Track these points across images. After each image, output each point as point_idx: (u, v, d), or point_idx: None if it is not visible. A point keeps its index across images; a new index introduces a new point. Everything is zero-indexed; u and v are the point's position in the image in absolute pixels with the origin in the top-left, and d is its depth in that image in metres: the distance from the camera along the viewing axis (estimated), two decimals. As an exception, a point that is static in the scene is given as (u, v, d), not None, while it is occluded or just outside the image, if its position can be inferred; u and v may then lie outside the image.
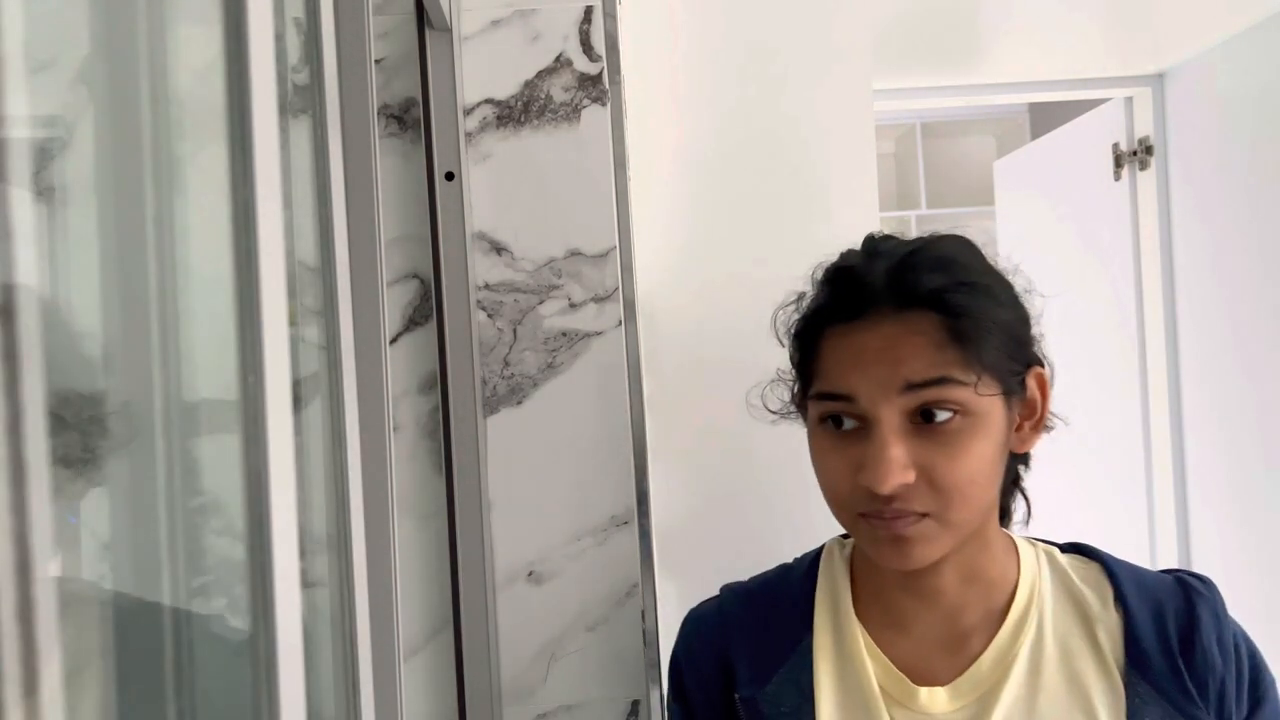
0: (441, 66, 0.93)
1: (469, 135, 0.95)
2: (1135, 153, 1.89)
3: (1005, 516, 0.79)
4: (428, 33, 0.93)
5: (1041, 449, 0.75)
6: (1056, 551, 0.78)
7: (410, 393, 0.95)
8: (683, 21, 1.12)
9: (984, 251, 0.75)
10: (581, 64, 0.95)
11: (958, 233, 0.76)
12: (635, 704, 0.95)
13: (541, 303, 0.95)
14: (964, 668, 0.71)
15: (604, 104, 0.95)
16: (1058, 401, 0.74)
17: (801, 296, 0.76)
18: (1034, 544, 0.77)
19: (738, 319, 1.10)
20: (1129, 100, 1.89)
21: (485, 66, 0.95)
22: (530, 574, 0.94)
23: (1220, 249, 1.70)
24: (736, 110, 1.12)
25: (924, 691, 0.70)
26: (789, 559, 0.84)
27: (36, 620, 0.27)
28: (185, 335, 0.43)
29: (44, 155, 0.36)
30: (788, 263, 1.11)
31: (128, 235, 0.41)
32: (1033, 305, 0.73)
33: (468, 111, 0.95)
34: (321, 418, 0.56)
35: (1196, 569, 0.78)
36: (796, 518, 1.08)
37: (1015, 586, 0.73)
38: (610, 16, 0.95)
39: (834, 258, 0.76)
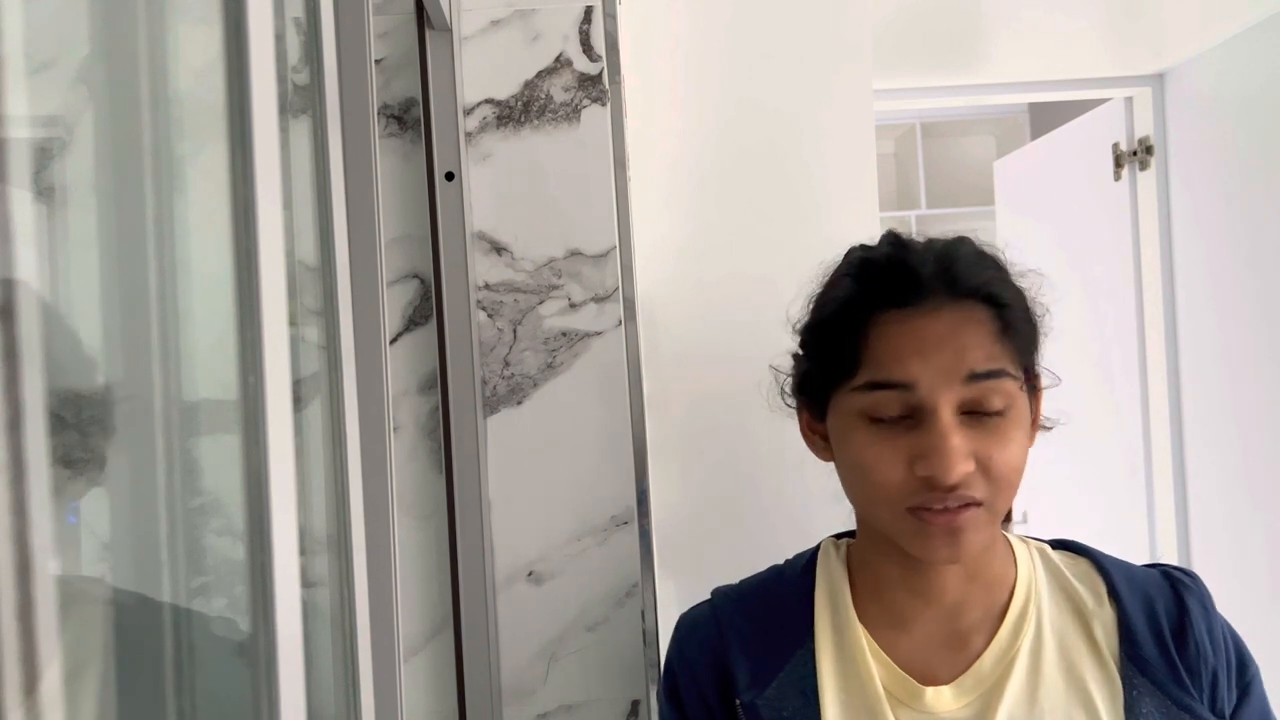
0: (441, 66, 0.93)
1: (469, 135, 0.95)
2: (1135, 153, 1.89)
3: (1005, 516, 0.79)
4: (428, 33, 0.93)
5: (1042, 449, 0.75)
6: (1048, 548, 0.78)
7: (410, 393, 0.95)
8: (683, 21, 1.12)
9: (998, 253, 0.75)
10: (581, 64, 0.95)
11: (966, 235, 0.75)
12: (635, 704, 0.95)
13: (541, 303, 0.95)
14: (966, 666, 0.71)
15: (604, 104, 0.95)
16: (1058, 401, 0.75)
17: (819, 293, 0.76)
18: (1026, 542, 0.78)
19: (738, 318, 1.10)
20: (1129, 100, 1.89)
21: (485, 66, 0.95)
22: (530, 574, 0.94)
23: (1220, 248, 1.70)
24: (737, 110, 1.12)
25: (929, 691, 0.70)
26: (786, 560, 0.84)
27: (36, 620, 0.27)
28: (185, 335, 0.43)
29: (44, 155, 0.36)
30: (788, 262, 1.12)
31: (128, 235, 0.41)
32: (1039, 306, 0.74)
33: (468, 111, 0.95)
34: (321, 418, 0.56)
35: (1196, 567, 0.78)
36: (796, 517, 1.08)
37: (1014, 584, 0.74)
38: (610, 16, 0.95)
39: (840, 256, 0.75)
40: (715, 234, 1.12)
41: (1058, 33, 1.61)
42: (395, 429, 0.78)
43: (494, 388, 0.95)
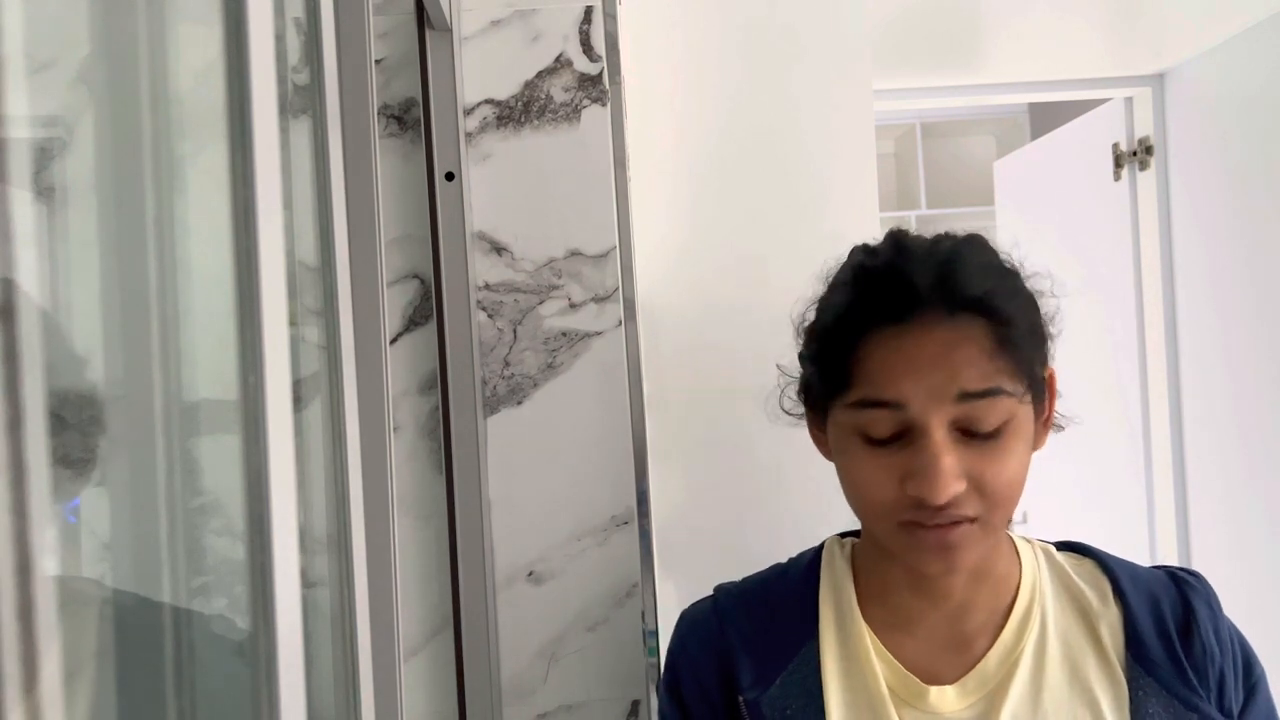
0: (441, 66, 0.93)
1: (469, 135, 0.95)
2: (1135, 153, 1.89)
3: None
4: (428, 33, 0.93)
5: (1042, 449, 0.75)
6: (1052, 549, 0.78)
7: (410, 393, 0.95)
8: (683, 22, 1.12)
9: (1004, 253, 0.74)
10: (581, 64, 0.95)
11: (976, 233, 0.74)
12: (635, 704, 0.95)
13: (541, 303, 0.95)
14: (969, 667, 0.71)
15: (604, 104, 0.95)
16: (1058, 401, 0.74)
17: (822, 296, 0.75)
18: (1031, 542, 0.78)
19: (738, 318, 1.10)
20: (1129, 100, 1.89)
21: (485, 66, 0.95)
22: (530, 574, 0.94)
23: (1220, 249, 1.70)
24: (736, 110, 1.12)
25: (933, 691, 0.70)
26: (789, 558, 0.84)
27: (36, 620, 0.27)
28: (185, 335, 0.43)
29: (44, 155, 0.36)
30: (788, 263, 1.12)
31: (128, 235, 0.41)
32: (1049, 305, 0.73)
33: (468, 111, 0.95)
34: (321, 418, 0.56)
35: (1196, 568, 0.78)
36: (796, 517, 1.08)
37: (1018, 585, 0.74)
38: (610, 16, 0.95)
39: (844, 255, 0.74)
40: (715, 234, 1.12)
41: (1057, 33, 1.61)
42: (395, 429, 0.78)
43: (494, 388, 0.95)
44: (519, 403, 0.95)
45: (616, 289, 0.95)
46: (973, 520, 0.66)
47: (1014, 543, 0.77)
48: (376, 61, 0.91)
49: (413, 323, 0.95)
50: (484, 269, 0.95)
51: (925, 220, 3.53)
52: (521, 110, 0.95)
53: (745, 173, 1.12)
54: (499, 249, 0.95)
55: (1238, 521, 1.68)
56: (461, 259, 0.93)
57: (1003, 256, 0.73)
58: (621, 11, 0.99)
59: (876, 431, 0.66)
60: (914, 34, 1.57)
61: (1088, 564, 0.76)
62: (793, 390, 0.79)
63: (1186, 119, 1.78)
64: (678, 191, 1.12)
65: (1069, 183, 2.10)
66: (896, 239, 0.72)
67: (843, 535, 0.82)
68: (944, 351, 0.64)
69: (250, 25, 0.42)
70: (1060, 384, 0.74)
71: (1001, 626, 0.72)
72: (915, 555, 0.68)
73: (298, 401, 0.47)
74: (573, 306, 0.95)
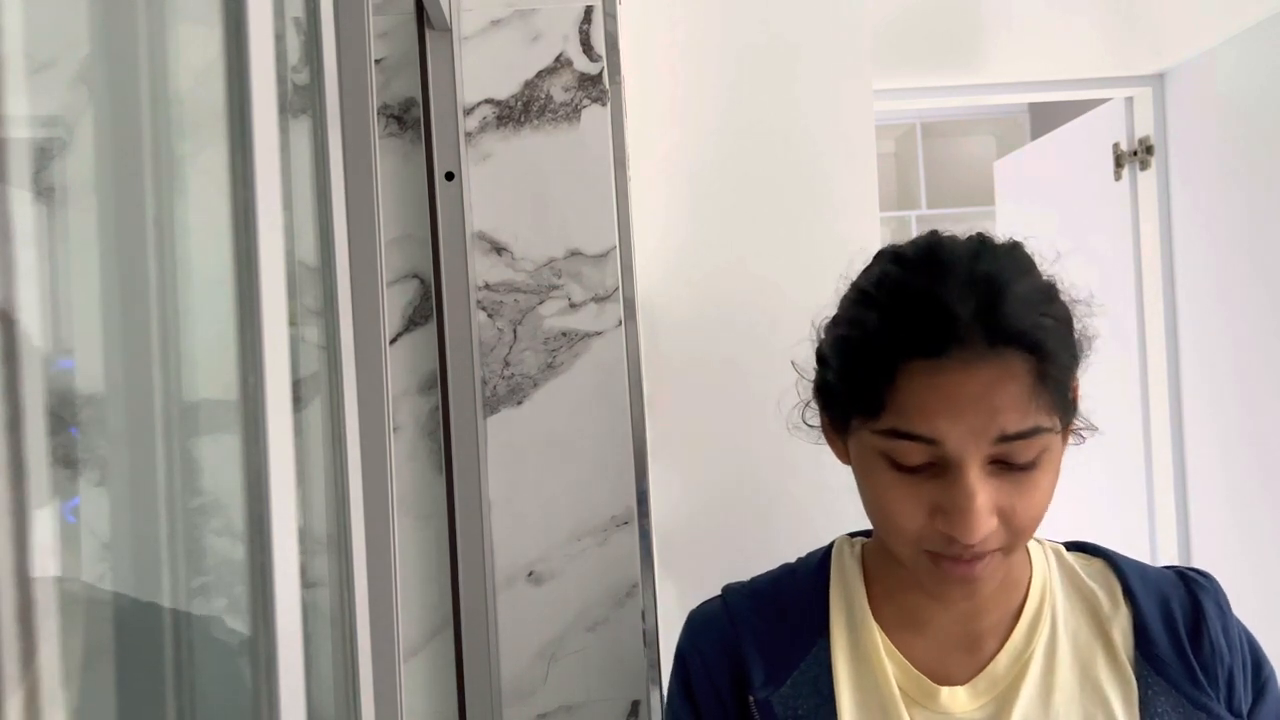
0: (441, 66, 0.93)
1: (469, 135, 0.95)
2: (1135, 153, 1.89)
3: None
4: (428, 33, 0.93)
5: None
6: (1062, 549, 0.78)
7: (410, 393, 0.95)
8: (683, 21, 1.12)
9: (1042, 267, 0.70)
10: (581, 64, 0.95)
11: (1015, 242, 0.71)
12: (635, 704, 0.95)
13: (541, 303, 0.95)
14: (980, 667, 0.71)
15: (604, 104, 0.95)
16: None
17: (848, 299, 0.71)
18: (1041, 543, 0.78)
19: (738, 318, 1.10)
20: (1129, 100, 1.89)
21: (485, 66, 0.95)
22: (530, 574, 0.94)
23: (1220, 249, 1.70)
24: (736, 110, 1.12)
25: (945, 691, 0.70)
26: (790, 559, 0.83)
27: (36, 620, 0.27)
28: (185, 335, 0.43)
29: (44, 155, 0.36)
30: (788, 262, 1.12)
31: (128, 235, 0.41)
32: (1082, 319, 0.70)
33: (468, 111, 0.95)
34: (321, 418, 0.56)
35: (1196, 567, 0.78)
36: (796, 517, 1.08)
37: (1029, 586, 0.74)
38: (610, 16, 0.95)
39: (870, 255, 0.71)
40: (715, 234, 1.12)
41: (1057, 33, 1.61)
42: (395, 429, 0.78)
43: (494, 388, 0.95)
44: (519, 403, 0.95)
45: (616, 289, 0.95)
46: (998, 549, 0.65)
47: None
48: (376, 61, 0.91)
49: (413, 323, 0.95)
50: (484, 269, 0.95)
51: (925, 220, 3.53)
52: (521, 110, 0.95)
53: (745, 172, 1.12)
54: (499, 249, 0.95)
55: (1239, 521, 1.68)
56: (461, 259, 0.93)
57: (1042, 271, 0.70)
58: (621, 11, 0.99)
59: (907, 460, 0.64)
60: (914, 34, 1.57)
61: (1098, 564, 0.76)
62: (806, 390, 0.77)
63: (1187, 119, 1.78)
64: (678, 191, 1.12)
65: (1069, 183, 2.10)
66: (932, 249, 0.67)
67: (852, 535, 0.82)
68: (984, 392, 0.61)
69: (250, 25, 0.42)
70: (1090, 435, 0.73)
71: (1012, 627, 0.72)
72: (935, 583, 0.67)
73: (298, 401, 0.47)
74: (573, 306, 0.95)
